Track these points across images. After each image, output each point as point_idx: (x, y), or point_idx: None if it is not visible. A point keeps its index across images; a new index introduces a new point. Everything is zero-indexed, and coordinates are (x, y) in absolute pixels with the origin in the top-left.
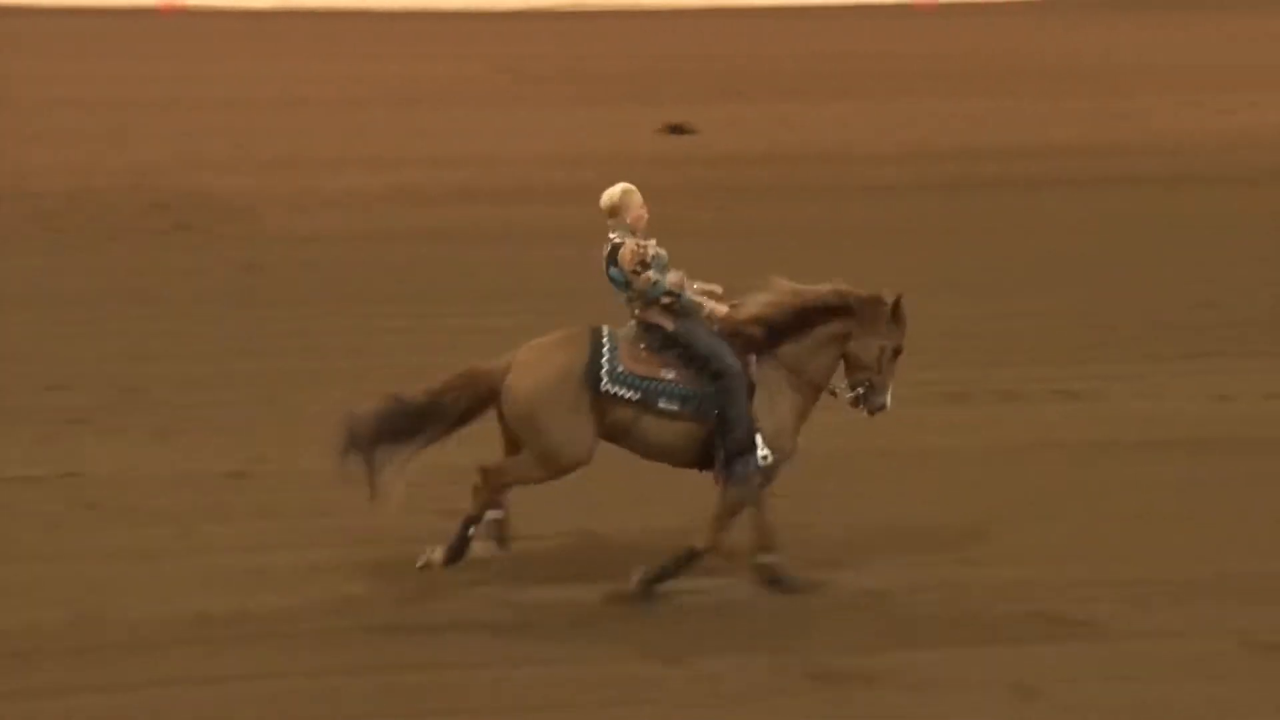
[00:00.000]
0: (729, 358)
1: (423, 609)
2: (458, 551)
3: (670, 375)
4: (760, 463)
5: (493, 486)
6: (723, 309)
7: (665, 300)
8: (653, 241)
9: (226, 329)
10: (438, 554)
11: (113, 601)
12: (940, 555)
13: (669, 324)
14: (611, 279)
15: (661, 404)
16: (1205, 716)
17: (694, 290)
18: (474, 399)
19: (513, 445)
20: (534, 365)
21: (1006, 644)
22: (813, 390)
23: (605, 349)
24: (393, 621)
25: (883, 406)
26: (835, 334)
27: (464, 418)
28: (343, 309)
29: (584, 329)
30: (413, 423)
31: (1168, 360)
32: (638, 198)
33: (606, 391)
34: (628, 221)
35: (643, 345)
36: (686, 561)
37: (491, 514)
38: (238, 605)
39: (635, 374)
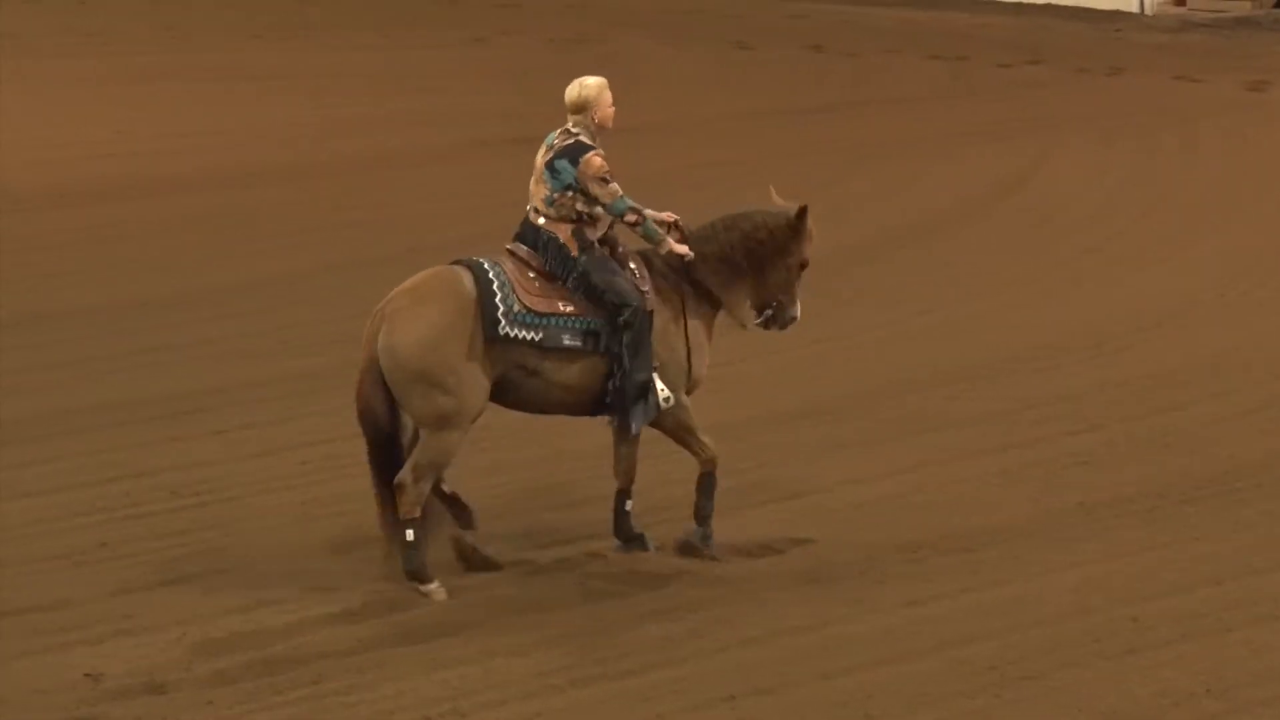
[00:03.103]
0: (631, 295)
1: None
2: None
3: (569, 308)
4: (662, 404)
5: (419, 491)
6: (683, 249)
7: (630, 219)
8: None
9: None
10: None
11: None
12: None
13: (574, 249)
14: (555, 172)
15: (566, 341)
16: None
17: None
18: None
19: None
20: (413, 313)
21: None
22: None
23: (495, 284)
24: None
25: (795, 318)
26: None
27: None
28: None
29: (453, 267)
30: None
31: None
32: (610, 95)
33: (505, 335)
34: (595, 120)
35: (532, 274)
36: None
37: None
38: None
39: (534, 311)
